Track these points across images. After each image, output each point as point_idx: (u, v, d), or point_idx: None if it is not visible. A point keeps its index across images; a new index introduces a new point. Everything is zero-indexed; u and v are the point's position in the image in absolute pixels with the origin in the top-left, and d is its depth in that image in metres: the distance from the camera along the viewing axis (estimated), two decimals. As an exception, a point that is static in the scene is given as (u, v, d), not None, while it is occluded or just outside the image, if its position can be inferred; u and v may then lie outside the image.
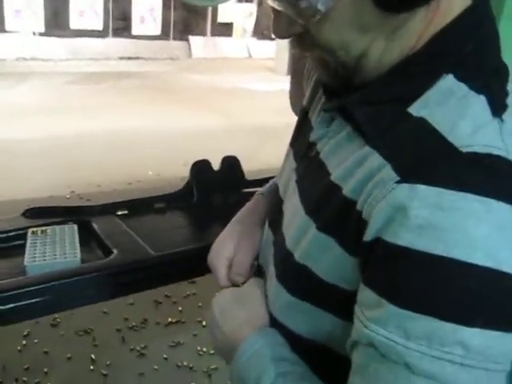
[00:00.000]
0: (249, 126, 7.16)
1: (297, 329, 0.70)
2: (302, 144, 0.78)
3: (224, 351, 0.77)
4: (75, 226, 1.37)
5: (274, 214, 0.83)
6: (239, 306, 0.77)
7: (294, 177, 0.77)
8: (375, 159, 0.57)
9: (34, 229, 1.32)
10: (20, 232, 1.34)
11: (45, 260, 1.21)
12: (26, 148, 5.72)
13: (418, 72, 0.59)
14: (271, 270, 0.76)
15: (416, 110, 0.58)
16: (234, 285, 0.83)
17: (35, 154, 5.58)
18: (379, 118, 0.60)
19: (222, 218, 1.51)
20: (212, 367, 2.56)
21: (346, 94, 0.65)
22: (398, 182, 0.53)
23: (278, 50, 10.81)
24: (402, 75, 0.60)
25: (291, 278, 0.70)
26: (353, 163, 0.61)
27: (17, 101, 7.93)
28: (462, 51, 0.59)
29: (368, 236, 0.55)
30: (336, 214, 0.61)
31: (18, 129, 6.37)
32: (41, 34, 12.41)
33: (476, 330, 0.49)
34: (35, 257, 1.22)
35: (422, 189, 0.51)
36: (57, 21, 12.46)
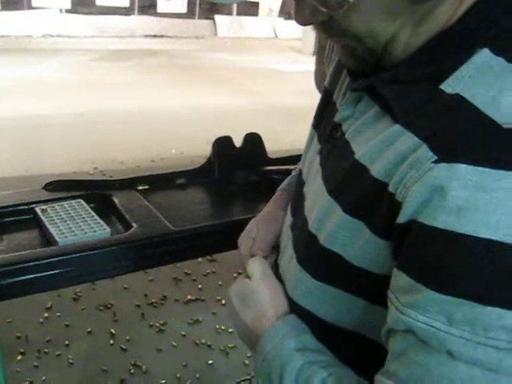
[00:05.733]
0: (273, 106, 7.12)
1: (321, 314, 0.68)
2: (326, 126, 0.75)
3: (247, 340, 0.76)
4: (82, 201, 1.36)
5: (295, 198, 0.81)
6: (257, 295, 0.75)
7: (317, 159, 0.74)
8: (408, 139, 0.54)
9: (43, 206, 1.32)
10: (37, 205, 1.34)
11: (76, 235, 1.20)
12: (51, 123, 5.77)
13: (451, 49, 0.57)
14: (289, 254, 0.75)
15: (449, 86, 0.55)
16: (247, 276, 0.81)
17: (60, 129, 5.63)
18: (410, 96, 0.57)
19: (243, 194, 1.50)
20: (230, 345, 2.57)
21: (374, 74, 0.62)
22: (436, 162, 0.50)
23: (304, 31, 10.68)
24: (432, 53, 0.58)
25: (316, 262, 0.68)
26: (381, 142, 0.59)
27: (43, 77, 7.99)
28: (496, 25, 0.55)
29: (402, 218, 0.52)
30: (364, 196, 0.59)
31: (43, 104, 6.42)
32: (67, 11, 12.44)
33: None
34: (63, 232, 1.21)
35: (462, 168, 0.48)
36: (83, -2, 12.47)
